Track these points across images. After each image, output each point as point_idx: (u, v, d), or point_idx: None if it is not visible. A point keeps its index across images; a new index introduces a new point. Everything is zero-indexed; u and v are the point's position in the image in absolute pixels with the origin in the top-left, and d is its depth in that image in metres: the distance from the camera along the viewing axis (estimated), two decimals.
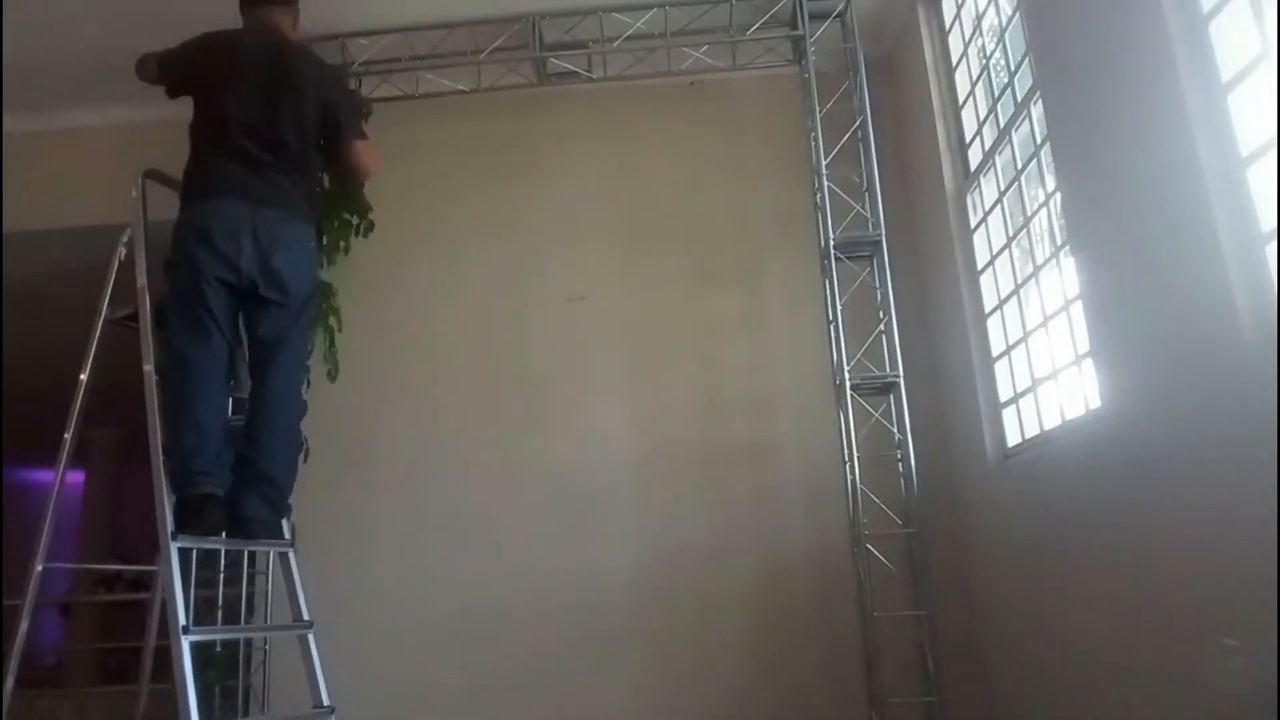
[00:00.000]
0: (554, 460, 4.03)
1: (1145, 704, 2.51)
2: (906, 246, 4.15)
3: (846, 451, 3.74)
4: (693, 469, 4.02)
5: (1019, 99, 3.32)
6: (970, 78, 3.89)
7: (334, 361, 4.01)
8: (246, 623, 3.93)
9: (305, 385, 3.14)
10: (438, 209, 4.45)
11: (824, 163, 3.89)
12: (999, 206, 3.61)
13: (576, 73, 4.40)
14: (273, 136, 2.93)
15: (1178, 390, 2.27)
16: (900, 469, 3.74)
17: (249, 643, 3.93)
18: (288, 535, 2.94)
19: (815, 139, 3.97)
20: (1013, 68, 3.40)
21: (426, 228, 4.40)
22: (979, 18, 3.78)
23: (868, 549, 3.59)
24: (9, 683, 2.77)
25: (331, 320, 4.03)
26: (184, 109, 4.47)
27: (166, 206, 4.44)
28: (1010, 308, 3.52)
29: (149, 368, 2.80)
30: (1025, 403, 3.43)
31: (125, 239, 3.09)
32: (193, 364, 2.72)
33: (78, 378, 3.10)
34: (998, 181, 3.65)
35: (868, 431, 3.80)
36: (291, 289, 2.88)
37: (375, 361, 4.25)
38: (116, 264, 3.01)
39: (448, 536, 4.09)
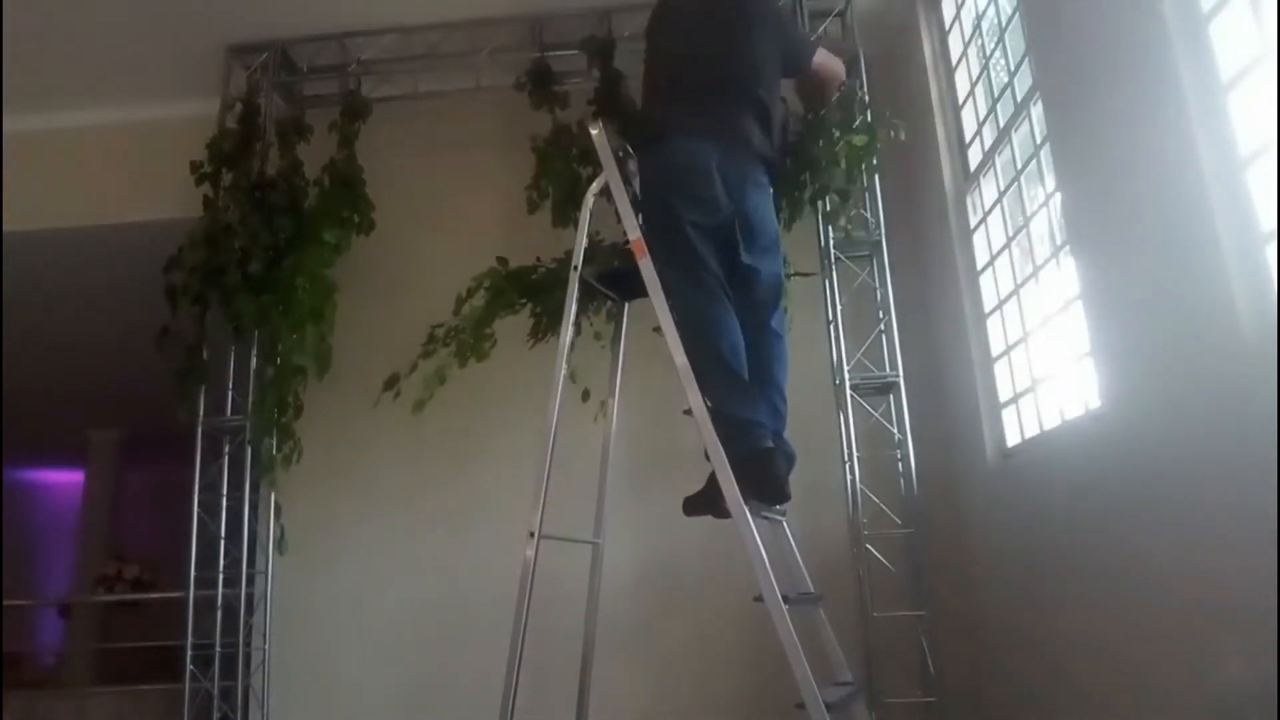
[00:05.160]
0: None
1: (1145, 703, 2.51)
2: (906, 246, 4.15)
3: (846, 451, 3.74)
4: (692, 469, 4.02)
5: (1019, 99, 3.31)
6: (970, 78, 3.89)
7: (326, 359, 3.99)
8: (246, 623, 3.93)
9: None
10: (438, 206, 4.45)
11: (824, 162, 3.88)
12: (999, 207, 3.61)
13: (576, 73, 4.39)
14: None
15: (1178, 390, 2.26)
16: (900, 469, 3.74)
17: (249, 643, 3.93)
18: None
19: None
20: (1013, 68, 3.40)
21: (427, 225, 4.40)
22: (979, 17, 3.77)
23: (867, 549, 3.59)
24: None
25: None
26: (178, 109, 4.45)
27: (164, 206, 4.48)
28: (1010, 308, 3.52)
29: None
30: (1025, 403, 3.43)
31: (595, 189, 2.65)
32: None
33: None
34: (997, 182, 3.65)
35: (868, 431, 3.80)
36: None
37: (370, 358, 4.27)
38: (588, 216, 2.66)
39: (447, 533, 4.09)
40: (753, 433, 2.34)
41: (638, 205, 2.55)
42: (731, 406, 2.33)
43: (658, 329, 2.43)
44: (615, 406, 2.95)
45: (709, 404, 2.32)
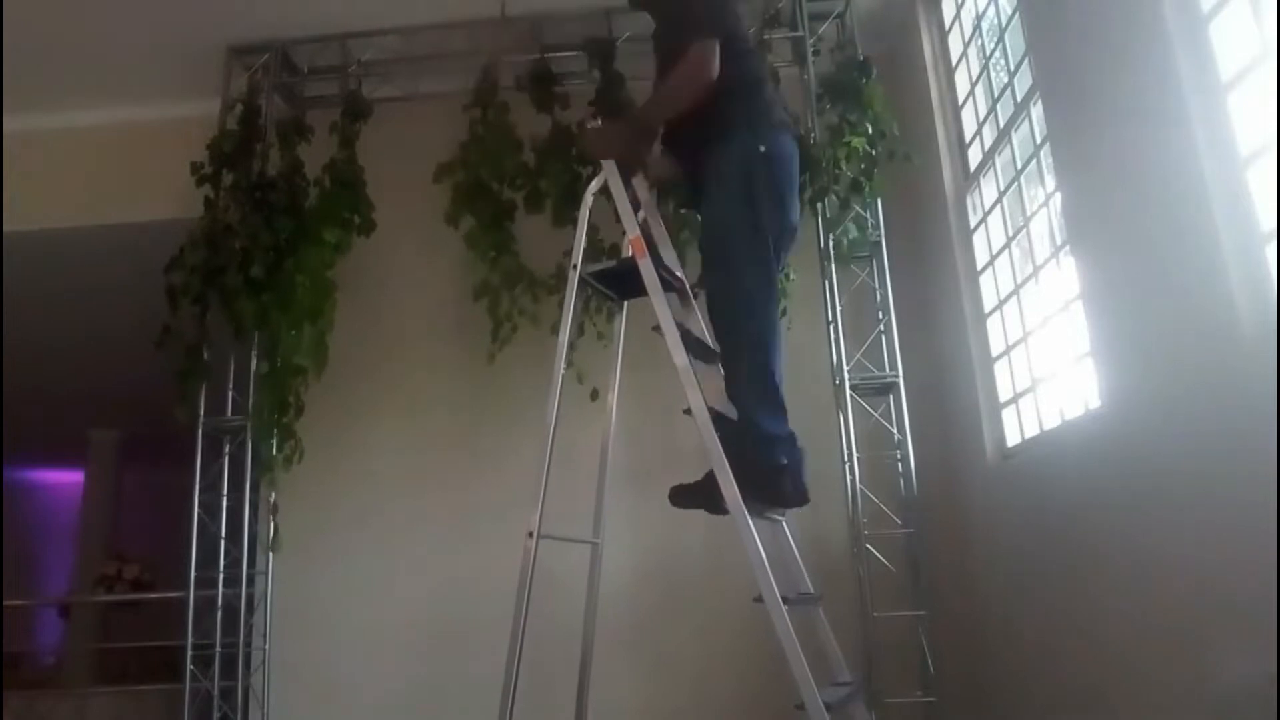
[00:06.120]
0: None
1: (1146, 703, 2.51)
2: (906, 247, 4.15)
3: (846, 451, 3.74)
4: (693, 469, 4.01)
5: (1019, 99, 3.32)
6: (970, 78, 3.89)
7: (323, 359, 3.99)
8: (246, 623, 3.93)
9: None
10: (438, 206, 4.44)
11: (824, 163, 3.88)
12: (999, 207, 3.61)
13: (576, 74, 4.39)
14: None
15: (1178, 390, 2.26)
16: (900, 469, 3.74)
17: (249, 643, 3.93)
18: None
19: (814, 139, 3.96)
20: (1013, 68, 3.40)
21: (425, 226, 4.40)
22: (979, 18, 3.77)
23: (867, 549, 3.59)
24: None
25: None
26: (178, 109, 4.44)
27: (164, 206, 4.48)
28: (1010, 308, 3.52)
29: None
30: (1025, 403, 3.43)
31: (594, 188, 2.60)
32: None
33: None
34: (997, 182, 3.65)
35: (868, 431, 3.80)
36: None
37: (370, 359, 4.28)
38: (587, 214, 2.62)
39: (447, 533, 4.10)
40: (773, 448, 2.33)
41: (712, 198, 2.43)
42: (761, 418, 2.33)
43: (657, 328, 2.42)
44: (615, 406, 2.95)
45: (738, 408, 2.31)
